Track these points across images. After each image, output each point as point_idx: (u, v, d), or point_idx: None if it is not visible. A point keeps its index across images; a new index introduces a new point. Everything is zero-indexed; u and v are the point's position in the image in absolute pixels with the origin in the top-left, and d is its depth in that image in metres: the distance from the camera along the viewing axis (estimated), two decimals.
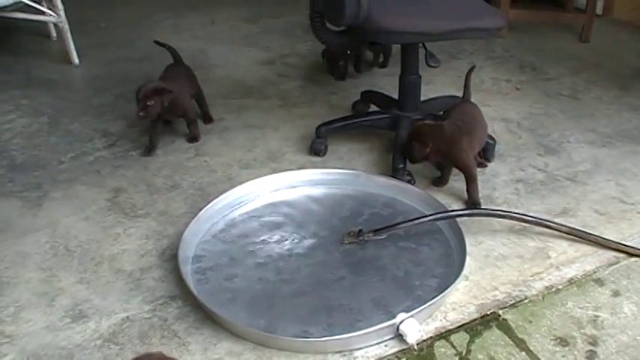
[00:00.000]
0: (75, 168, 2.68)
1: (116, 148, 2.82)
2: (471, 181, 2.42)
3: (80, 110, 3.17)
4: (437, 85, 3.23)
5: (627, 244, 2.22)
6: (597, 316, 1.96)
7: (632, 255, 2.19)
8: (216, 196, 2.37)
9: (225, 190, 2.40)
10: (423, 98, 2.79)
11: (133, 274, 2.12)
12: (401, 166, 2.49)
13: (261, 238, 2.25)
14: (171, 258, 2.17)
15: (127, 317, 1.95)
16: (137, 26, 4.18)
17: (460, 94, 2.81)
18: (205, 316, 1.93)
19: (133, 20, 4.32)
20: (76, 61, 3.66)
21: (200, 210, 2.28)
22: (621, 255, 2.20)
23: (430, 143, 2.37)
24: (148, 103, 2.62)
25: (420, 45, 2.58)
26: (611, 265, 2.16)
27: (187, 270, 2.07)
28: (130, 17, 4.39)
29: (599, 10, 4.24)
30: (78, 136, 2.93)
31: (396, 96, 2.77)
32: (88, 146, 2.85)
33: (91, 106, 3.20)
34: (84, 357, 1.82)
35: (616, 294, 2.04)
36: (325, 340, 1.80)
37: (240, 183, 2.45)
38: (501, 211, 2.31)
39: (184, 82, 2.90)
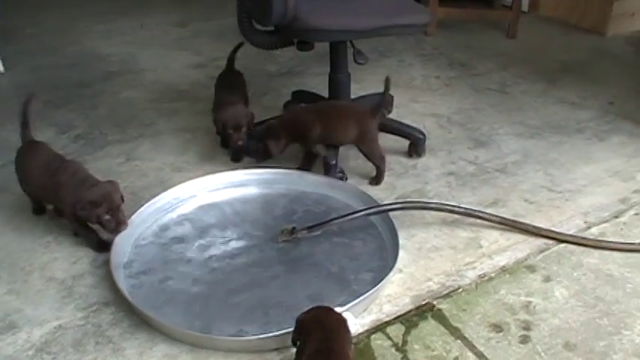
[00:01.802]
0: (3, 177, 2.62)
1: None
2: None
3: (7, 118, 3.08)
4: (367, 83, 3.25)
5: (556, 230, 2.28)
6: (530, 302, 2.00)
7: (561, 241, 2.25)
8: (149, 200, 2.34)
9: (157, 194, 2.38)
10: (353, 96, 2.81)
11: (65, 282, 2.08)
12: (332, 162, 2.50)
13: (195, 240, 2.24)
14: (103, 264, 2.14)
15: (60, 325, 1.92)
16: (65, 32, 4.10)
17: (391, 91, 2.85)
18: (140, 321, 1.91)
19: (61, 26, 4.24)
20: (1, 68, 3.58)
21: (132, 214, 2.25)
22: (551, 242, 2.25)
23: (283, 136, 2.48)
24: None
25: (348, 43, 2.59)
26: (542, 251, 2.21)
27: (120, 275, 2.04)
28: (57, 23, 4.31)
29: (525, 7, 4.34)
30: (6, 145, 2.85)
31: (326, 95, 2.78)
32: None
33: (18, 114, 3.12)
34: None
35: (547, 279, 2.09)
36: (262, 338, 1.79)
37: (173, 186, 2.43)
38: (433, 203, 2.34)
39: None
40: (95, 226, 2.17)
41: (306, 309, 1.68)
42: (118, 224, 2.11)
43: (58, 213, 2.31)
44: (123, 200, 2.16)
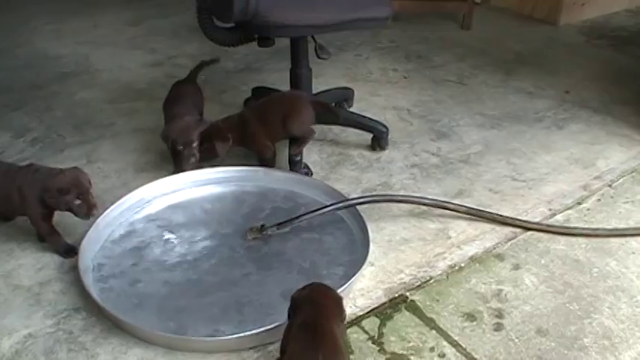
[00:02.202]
0: None
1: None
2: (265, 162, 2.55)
3: None
4: (327, 77, 3.26)
5: (522, 218, 2.31)
6: (501, 290, 2.03)
7: (528, 229, 2.28)
8: (113, 202, 2.30)
9: (121, 196, 2.34)
10: (314, 91, 2.81)
11: (32, 289, 2.04)
12: (297, 159, 2.49)
13: (163, 240, 2.21)
14: (70, 269, 2.10)
15: (30, 334, 1.88)
16: (14, 33, 4.00)
17: (350, 85, 2.87)
18: (112, 325, 1.88)
19: (9, 26, 4.13)
20: None
21: (97, 218, 2.21)
22: (518, 230, 2.28)
23: (229, 136, 2.48)
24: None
25: (310, 38, 2.58)
26: (510, 240, 2.24)
27: (89, 279, 2.01)
28: (5, 23, 4.19)
29: None
30: None
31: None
32: None
33: None
34: None
35: (516, 267, 2.12)
36: (238, 337, 1.78)
37: (137, 187, 2.39)
38: (401, 195, 2.35)
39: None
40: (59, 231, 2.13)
41: (304, 285, 1.73)
42: (90, 208, 2.07)
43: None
44: (91, 184, 2.12)
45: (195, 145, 2.43)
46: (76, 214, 2.09)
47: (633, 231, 2.27)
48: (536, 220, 2.32)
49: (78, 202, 2.06)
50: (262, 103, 2.61)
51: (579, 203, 2.43)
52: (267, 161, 2.54)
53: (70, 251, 2.14)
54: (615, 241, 2.24)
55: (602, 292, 2.01)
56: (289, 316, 1.69)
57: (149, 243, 2.20)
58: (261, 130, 2.51)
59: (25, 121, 3.02)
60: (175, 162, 2.51)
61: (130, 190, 2.37)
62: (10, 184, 2.11)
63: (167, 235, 2.24)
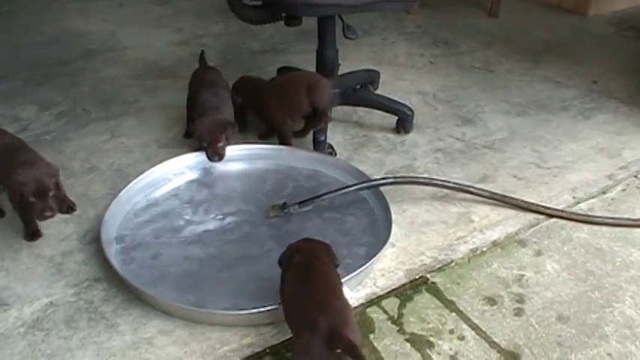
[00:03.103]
0: None
1: (28, 133, 2.71)
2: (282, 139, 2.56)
3: None
4: (352, 60, 3.24)
5: (546, 205, 2.29)
6: (522, 275, 2.01)
7: (551, 216, 2.26)
8: (136, 177, 2.31)
9: (144, 170, 2.35)
10: (339, 73, 2.79)
11: (54, 259, 2.06)
12: (322, 138, 2.49)
13: (185, 215, 2.22)
14: (93, 240, 2.11)
15: (51, 302, 1.89)
16: (42, 10, 4.03)
17: (376, 69, 2.85)
18: (133, 297, 1.89)
19: (37, 4, 4.16)
20: None
21: (120, 191, 2.23)
22: (541, 217, 2.26)
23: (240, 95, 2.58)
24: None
25: (337, 18, 2.57)
26: (532, 226, 2.22)
27: (111, 251, 2.02)
28: (33, 1, 4.22)
29: None
30: None
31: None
32: None
33: None
34: (7, 346, 1.76)
35: (538, 253, 2.10)
36: (257, 312, 1.78)
37: (160, 162, 2.40)
38: (424, 178, 2.34)
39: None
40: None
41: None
42: (43, 210, 2.01)
43: None
44: (59, 188, 2.10)
45: (220, 144, 2.39)
46: (28, 210, 2.07)
47: None
48: (560, 207, 2.30)
49: (33, 199, 2.01)
50: (282, 79, 2.65)
51: (604, 192, 2.40)
52: (284, 137, 2.54)
53: (32, 235, 2.14)
54: (639, 231, 2.21)
55: (624, 282, 1.99)
56: (280, 261, 1.78)
57: (171, 217, 2.21)
58: (277, 104, 2.51)
59: (50, 95, 3.04)
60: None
61: (152, 165, 2.38)
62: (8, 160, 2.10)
63: (189, 211, 2.24)
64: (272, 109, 2.53)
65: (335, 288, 1.65)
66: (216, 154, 2.40)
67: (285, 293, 1.70)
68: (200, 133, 2.40)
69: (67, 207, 2.23)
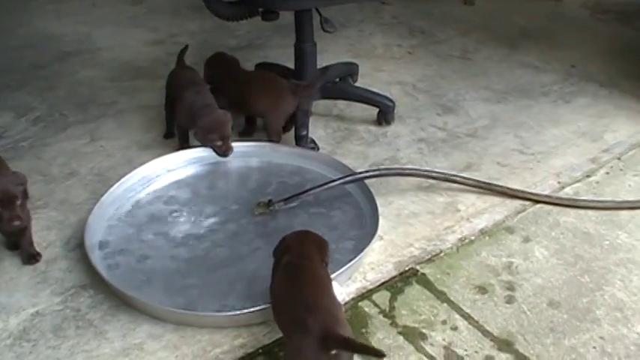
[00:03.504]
0: None
1: (4, 140, 2.68)
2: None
3: None
4: (330, 53, 3.22)
5: (532, 191, 2.29)
6: (511, 263, 2.01)
7: (537, 202, 2.26)
8: (118, 180, 2.28)
9: (125, 174, 2.32)
10: (318, 66, 2.77)
11: (38, 268, 2.02)
12: (304, 133, 2.47)
13: (170, 217, 2.20)
14: (76, 247, 2.08)
15: (37, 312, 1.86)
16: (15, 12, 3.95)
17: (354, 61, 2.84)
18: (120, 302, 1.87)
19: (9, 7, 4.08)
20: None
21: (102, 195, 2.20)
22: (527, 203, 2.26)
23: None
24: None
25: (314, 11, 2.55)
26: (519, 213, 2.22)
27: (96, 256, 1.99)
28: (5, 3, 4.14)
29: None
30: None
31: (292, 65, 2.74)
32: None
33: None
34: None
35: (526, 240, 2.10)
36: (248, 312, 1.76)
37: (141, 164, 2.37)
38: (408, 169, 2.33)
39: None
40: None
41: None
42: (10, 219, 1.92)
43: None
44: (27, 196, 2.00)
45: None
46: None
47: None
48: (546, 192, 2.30)
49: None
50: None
51: (588, 176, 2.41)
52: (276, 133, 2.54)
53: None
54: (625, 214, 2.22)
55: (613, 265, 2.00)
56: (275, 255, 1.76)
57: (155, 219, 2.18)
58: (266, 98, 2.52)
59: (27, 100, 3.00)
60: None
61: (134, 168, 2.35)
62: None
63: (173, 212, 2.22)
64: (261, 101, 2.52)
65: (324, 286, 1.63)
66: (229, 149, 2.37)
67: (274, 293, 1.68)
68: (212, 131, 2.35)
69: (30, 256, 2.05)
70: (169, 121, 2.62)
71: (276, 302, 1.66)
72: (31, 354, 1.73)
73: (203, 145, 2.41)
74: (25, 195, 1.99)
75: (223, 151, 2.37)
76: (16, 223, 1.93)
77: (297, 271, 1.65)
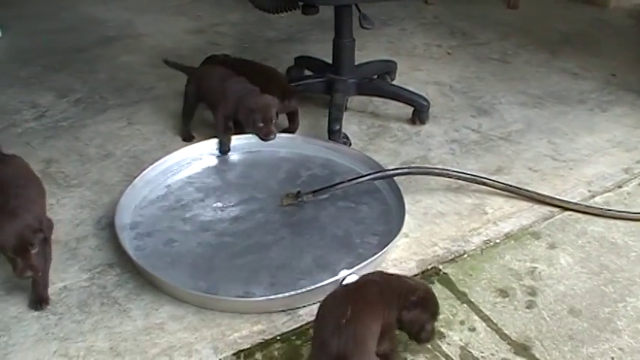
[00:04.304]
0: (3, 140, 2.56)
1: (46, 119, 2.75)
2: None
3: (6, 82, 3.07)
4: (370, 50, 3.24)
5: (561, 198, 2.27)
6: (535, 268, 2.00)
7: (566, 209, 2.24)
8: (151, 163, 2.33)
9: (159, 158, 2.36)
10: (356, 63, 2.79)
11: (69, 244, 2.07)
12: (337, 128, 2.49)
13: (199, 202, 2.23)
14: (107, 226, 2.13)
15: (65, 287, 1.91)
16: None
17: (393, 59, 2.84)
18: (145, 282, 1.91)
19: None
20: None
21: (135, 177, 2.24)
22: (556, 209, 2.24)
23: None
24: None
25: (353, 7, 2.57)
26: (547, 219, 2.21)
27: (124, 237, 2.03)
28: None
29: None
30: (5, 108, 2.85)
31: (330, 60, 2.76)
32: (16, 118, 2.78)
33: (17, 78, 3.11)
34: (21, 329, 1.77)
35: (552, 246, 2.09)
36: (269, 300, 1.79)
37: (175, 150, 2.41)
38: (438, 168, 2.33)
39: None
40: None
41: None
42: (23, 270, 1.76)
43: None
44: (48, 241, 1.88)
45: (275, 121, 2.40)
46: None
47: None
48: (575, 200, 2.28)
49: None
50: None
51: (620, 186, 2.38)
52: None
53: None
54: None
55: (638, 277, 1.97)
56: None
57: (185, 204, 2.22)
58: None
59: (68, 82, 3.07)
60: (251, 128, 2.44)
61: (167, 153, 2.40)
62: None
63: (203, 198, 2.25)
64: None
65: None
66: (271, 132, 2.39)
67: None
68: (256, 111, 2.36)
69: (39, 300, 1.85)
70: (189, 122, 2.63)
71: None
72: (56, 326, 1.78)
73: (246, 127, 2.44)
74: (44, 241, 1.85)
75: (265, 134, 2.39)
76: (28, 273, 1.77)
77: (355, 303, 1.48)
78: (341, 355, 1.41)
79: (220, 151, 2.45)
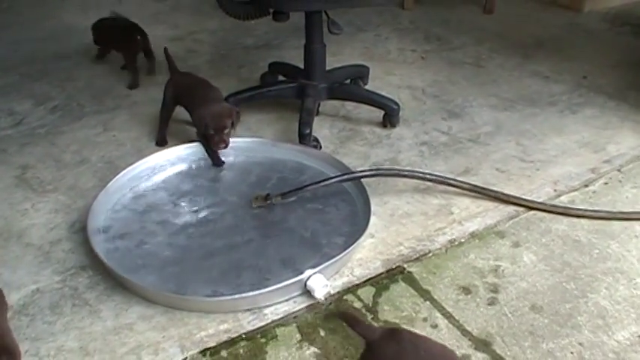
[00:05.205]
0: None
1: (22, 127, 2.79)
2: None
3: None
4: (344, 56, 3.29)
5: (526, 198, 2.32)
6: (498, 266, 2.04)
7: (531, 208, 2.29)
8: (125, 168, 2.36)
9: (133, 162, 2.40)
10: (328, 67, 2.83)
11: (43, 248, 2.11)
12: (307, 131, 2.53)
13: (171, 206, 2.27)
14: (80, 230, 2.17)
15: (37, 289, 1.95)
16: (42, 6, 4.09)
17: (367, 64, 2.89)
18: (116, 284, 1.95)
19: (37, 0, 4.22)
20: None
21: (109, 182, 2.28)
22: (521, 209, 2.29)
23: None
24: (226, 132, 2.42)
25: (323, 14, 2.61)
26: (512, 218, 2.25)
27: (97, 240, 2.06)
28: None
29: None
30: None
31: (302, 66, 2.81)
32: None
33: None
34: None
35: (516, 245, 2.13)
36: (234, 299, 1.83)
37: (149, 155, 2.45)
38: (405, 170, 2.37)
39: None
40: None
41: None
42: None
43: None
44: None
45: (226, 131, 2.40)
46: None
47: (637, 215, 2.26)
48: (541, 200, 2.33)
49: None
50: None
51: (586, 186, 2.43)
52: None
53: None
54: (619, 225, 2.23)
55: (600, 273, 2.02)
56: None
57: (156, 208, 2.26)
58: None
59: (46, 89, 3.11)
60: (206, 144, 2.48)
61: (141, 158, 2.43)
62: None
63: (174, 201, 2.30)
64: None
65: None
66: (222, 142, 2.39)
67: None
68: (207, 120, 2.38)
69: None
70: (165, 127, 2.67)
71: None
72: (28, 327, 1.81)
73: (198, 135, 2.48)
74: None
75: (215, 143, 2.40)
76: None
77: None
78: None
79: (211, 158, 2.51)
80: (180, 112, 2.63)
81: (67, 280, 1.98)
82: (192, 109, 2.53)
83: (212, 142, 2.41)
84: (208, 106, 2.42)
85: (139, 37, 3.18)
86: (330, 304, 1.88)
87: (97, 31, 3.29)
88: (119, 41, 3.23)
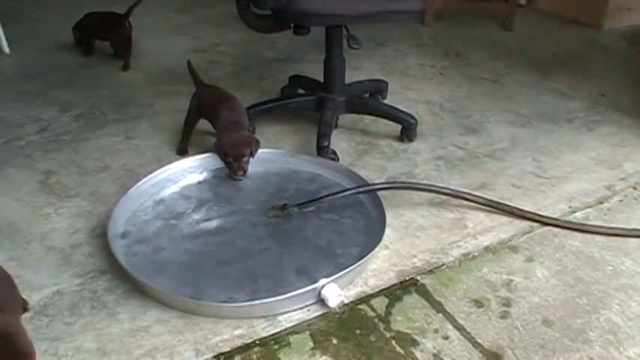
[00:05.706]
0: (6, 152, 2.70)
1: (47, 133, 2.84)
2: None
3: (10, 97, 3.17)
4: (364, 70, 3.32)
5: (541, 213, 2.34)
6: (511, 280, 2.06)
7: (545, 224, 2.30)
8: (146, 176, 2.41)
9: (154, 170, 2.45)
10: (348, 81, 2.88)
11: (64, 251, 2.16)
12: (325, 144, 2.56)
13: (189, 213, 2.31)
14: (100, 235, 2.21)
15: (58, 291, 1.99)
16: (69, 17, 4.14)
17: (386, 79, 2.92)
18: (134, 288, 1.98)
19: (65, 11, 4.27)
20: (7, 50, 3.66)
21: (129, 189, 2.33)
22: (535, 224, 2.31)
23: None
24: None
25: (343, 29, 2.66)
26: (526, 233, 2.27)
27: (116, 245, 2.10)
28: (62, 8, 4.36)
29: (522, 1, 4.41)
30: (9, 122, 2.94)
31: (321, 79, 2.85)
32: (20, 132, 2.86)
33: (21, 93, 3.21)
34: None
35: (529, 259, 2.15)
36: (249, 305, 1.86)
37: (169, 163, 2.49)
38: (420, 184, 2.40)
39: None
40: None
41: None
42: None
43: None
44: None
45: (245, 159, 2.44)
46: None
47: None
48: (556, 215, 2.34)
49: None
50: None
51: (601, 202, 2.44)
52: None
53: None
54: (633, 242, 2.24)
55: (613, 290, 2.03)
56: None
57: (175, 215, 2.30)
58: None
59: (70, 97, 3.17)
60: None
61: (162, 166, 2.48)
62: None
63: (193, 209, 2.33)
64: None
65: None
66: (240, 169, 2.44)
67: None
68: (227, 149, 2.43)
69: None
70: (188, 137, 2.71)
71: None
72: (47, 327, 1.85)
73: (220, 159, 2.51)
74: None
75: (233, 171, 2.45)
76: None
77: None
78: None
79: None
80: (202, 122, 2.68)
81: (86, 282, 2.02)
82: (214, 124, 2.59)
83: (231, 169, 2.46)
84: (229, 134, 2.47)
85: (127, 24, 3.50)
86: (344, 313, 1.91)
87: (81, 28, 3.64)
88: (106, 30, 3.54)
